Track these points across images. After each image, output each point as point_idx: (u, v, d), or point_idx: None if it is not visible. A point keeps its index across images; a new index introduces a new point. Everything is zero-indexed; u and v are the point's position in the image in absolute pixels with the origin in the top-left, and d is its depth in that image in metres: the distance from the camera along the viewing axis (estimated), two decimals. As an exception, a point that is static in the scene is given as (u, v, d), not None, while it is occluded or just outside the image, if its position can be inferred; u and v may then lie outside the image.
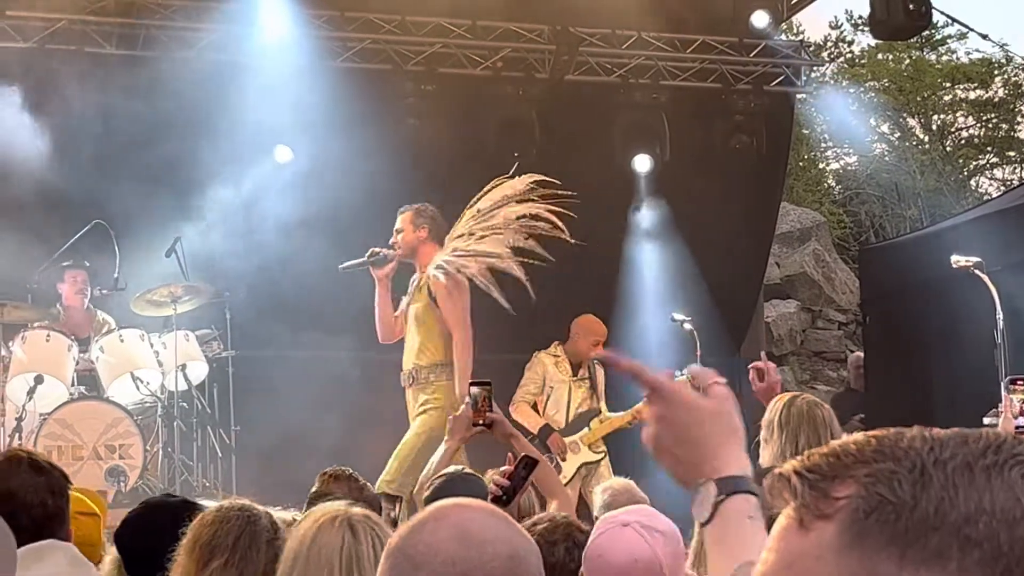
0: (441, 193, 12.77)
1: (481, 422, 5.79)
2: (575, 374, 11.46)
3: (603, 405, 11.50)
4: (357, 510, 3.49)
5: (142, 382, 10.78)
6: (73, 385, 10.79)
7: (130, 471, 10.36)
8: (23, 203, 11.84)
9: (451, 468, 5.68)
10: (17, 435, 10.44)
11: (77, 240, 11.17)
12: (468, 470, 5.85)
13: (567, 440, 11.30)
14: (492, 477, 5.27)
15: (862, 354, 14.83)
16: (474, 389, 5.84)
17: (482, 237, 10.25)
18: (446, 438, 5.87)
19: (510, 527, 2.26)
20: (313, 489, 5.71)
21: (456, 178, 13.00)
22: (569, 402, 11.41)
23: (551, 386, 11.43)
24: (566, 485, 11.04)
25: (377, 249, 10.08)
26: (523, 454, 5.25)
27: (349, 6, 12.97)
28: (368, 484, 5.80)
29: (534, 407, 11.40)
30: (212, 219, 12.02)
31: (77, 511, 4.72)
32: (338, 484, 5.66)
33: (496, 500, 5.05)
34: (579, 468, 11.31)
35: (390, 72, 13.24)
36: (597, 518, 6.50)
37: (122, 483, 10.30)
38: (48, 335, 10.79)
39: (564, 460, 11.24)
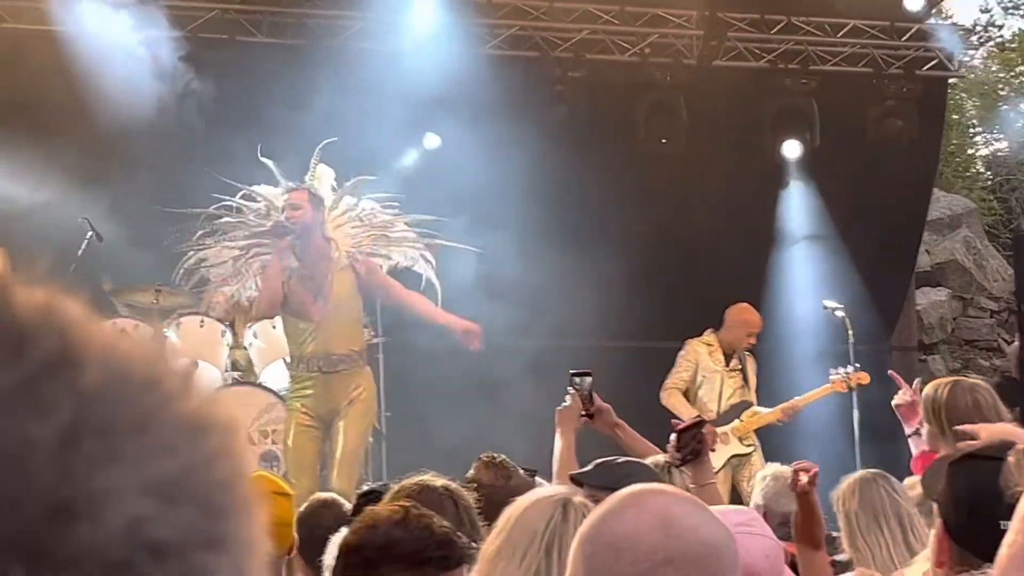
0: (590, 178, 12.77)
1: (585, 412, 5.75)
2: (727, 364, 11.36)
3: (754, 397, 11.40)
4: (578, 498, 3.48)
5: (294, 367, 10.85)
6: (226, 371, 10.91)
7: (283, 456, 10.44)
8: (171, 189, 11.99)
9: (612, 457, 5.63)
10: (172, 421, 10.56)
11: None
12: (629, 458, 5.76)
13: (718, 431, 11.20)
14: (669, 449, 5.27)
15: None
16: (578, 379, 5.79)
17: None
18: (559, 431, 5.81)
19: (708, 514, 2.22)
20: (468, 474, 5.69)
21: (604, 164, 12.98)
22: (721, 392, 11.32)
23: (703, 375, 11.34)
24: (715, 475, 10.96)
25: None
26: (683, 424, 5.22)
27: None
28: (519, 471, 5.75)
29: (684, 395, 11.32)
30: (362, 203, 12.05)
31: (272, 490, 4.74)
32: (488, 471, 5.63)
33: (678, 466, 5.09)
34: (729, 459, 11.22)
35: (538, 59, 13.21)
36: (757, 506, 6.44)
37: (275, 468, 10.38)
38: (202, 321, 10.93)
39: (714, 451, 11.12)
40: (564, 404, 5.79)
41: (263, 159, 10.06)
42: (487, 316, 11.37)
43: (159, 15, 12.13)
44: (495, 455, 5.79)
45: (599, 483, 4.74)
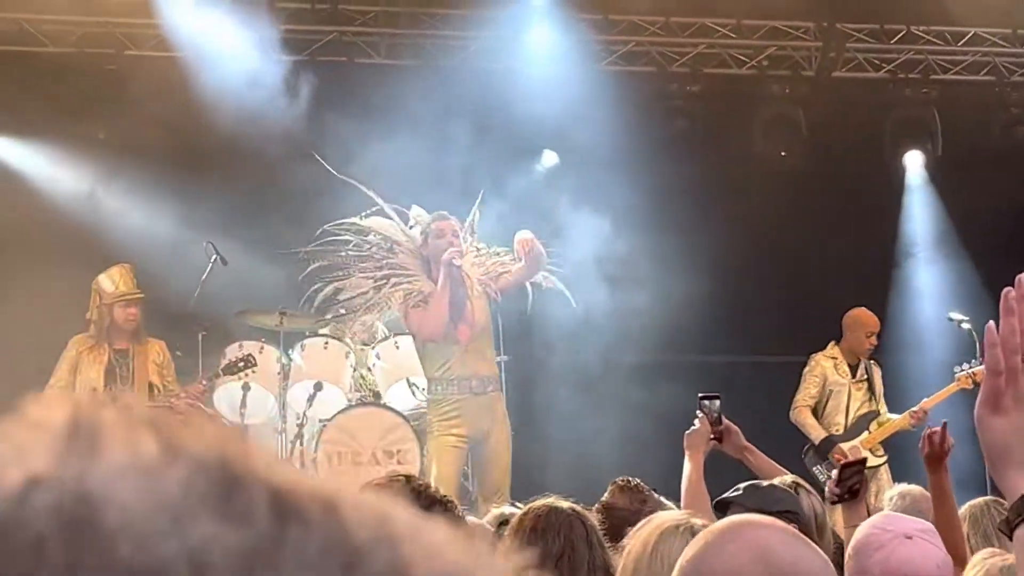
0: (709, 192, 12.72)
1: (715, 436, 5.71)
2: (853, 375, 11.26)
3: (882, 407, 11.29)
4: (698, 521, 3.46)
5: (418, 388, 10.89)
6: (351, 391, 10.99)
7: (429, 477, 10.48)
8: (295, 211, 12.11)
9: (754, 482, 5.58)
10: (299, 441, 10.67)
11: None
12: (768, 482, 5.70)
13: (847, 447, 11.10)
14: (827, 485, 5.24)
15: None
16: (707, 402, 5.75)
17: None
18: (687, 454, 5.76)
19: (809, 546, 2.19)
20: (603, 498, 5.68)
21: (723, 178, 12.92)
22: (848, 405, 11.22)
23: (830, 389, 11.25)
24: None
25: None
26: (850, 459, 5.19)
27: (614, 9, 12.95)
28: (653, 494, 5.72)
29: (813, 410, 11.24)
30: (480, 227, 12.09)
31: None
32: (622, 495, 5.62)
33: (835, 503, 5.07)
34: (860, 474, 11.09)
35: (655, 74, 13.18)
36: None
37: (400, 488, 10.41)
38: (326, 343, 11.01)
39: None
40: (693, 427, 5.76)
41: (374, 195, 10.19)
42: (603, 331, 11.40)
43: (278, 39, 12.27)
44: (629, 479, 5.77)
45: (755, 506, 4.71)
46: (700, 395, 5.78)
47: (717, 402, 5.72)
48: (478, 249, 9.93)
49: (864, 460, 5.26)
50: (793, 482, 5.28)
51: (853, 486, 5.08)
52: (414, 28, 12.80)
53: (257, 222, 11.96)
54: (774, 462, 5.80)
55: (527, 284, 9.94)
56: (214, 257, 11.25)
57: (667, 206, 12.45)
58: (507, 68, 12.60)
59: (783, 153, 13.21)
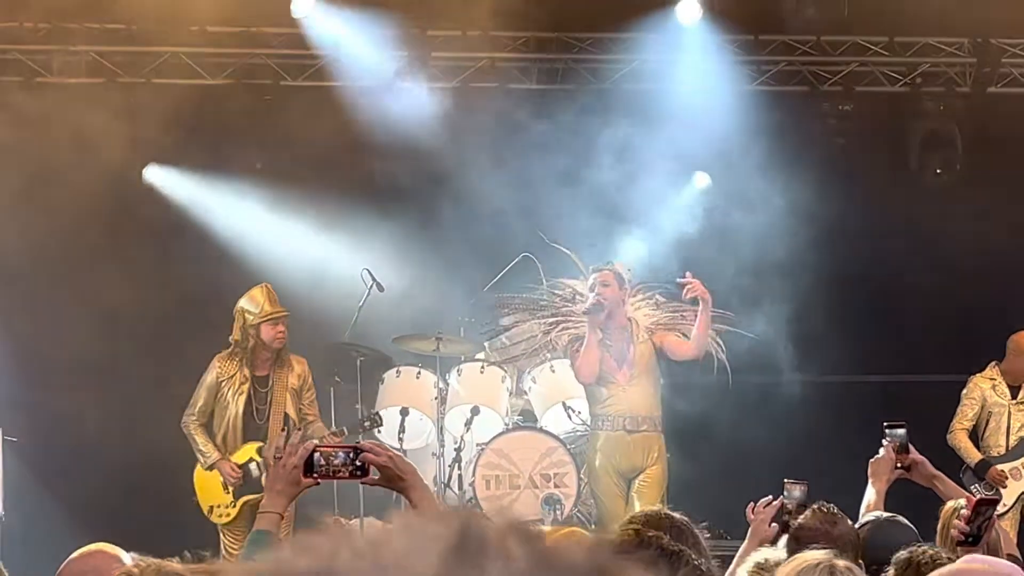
0: (865, 211, 12.60)
1: (901, 465, 5.65)
2: (1014, 396, 11.07)
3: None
4: (841, 561, 3.45)
5: (574, 411, 10.94)
6: (507, 415, 11.06)
7: (565, 499, 10.52)
8: (450, 238, 12.25)
9: (875, 513, 5.51)
10: (457, 465, 10.78)
11: (506, 273, 11.42)
12: (895, 516, 5.61)
13: (1007, 467, 10.94)
14: (954, 523, 5.09)
15: None
16: (893, 431, 5.70)
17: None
18: (871, 481, 5.71)
19: None
20: (798, 521, 5.59)
21: (879, 197, 12.80)
22: (1009, 426, 11.04)
23: (989, 411, 11.08)
24: (1004, 514, 10.68)
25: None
26: (980, 497, 5.08)
27: (764, 29, 12.91)
28: (844, 518, 5.64)
29: (973, 434, 11.09)
30: (634, 249, 12.12)
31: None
32: (814, 517, 5.55)
33: (962, 543, 4.91)
34: (1020, 497, 10.93)
35: (806, 93, 13.11)
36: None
37: (558, 511, 10.47)
38: (483, 367, 11.10)
39: (1004, 488, 10.88)
40: (878, 455, 5.71)
41: (564, 250, 10.39)
42: (755, 353, 11.33)
43: (431, 66, 12.41)
44: (827, 504, 5.71)
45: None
46: (885, 424, 5.74)
47: (902, 430, 5.67)
48: (657, 306, 10.04)
49: (997, 500, 5.13)
50: (997, 500, 5.22)
51: (982, 525, 4.94)
52: (567, 52, 12.85)
53: (412, 248, 12.13)
54: (963, 490, 5.75)
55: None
56: (371, 284, 11.40)
57: (821, 225, 12.37)
58: (656, 90, 12.61)
59: (939, 171, 13.05)
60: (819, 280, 12.18)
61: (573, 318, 9.88)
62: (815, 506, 5.50)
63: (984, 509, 4.95)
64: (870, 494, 5.65)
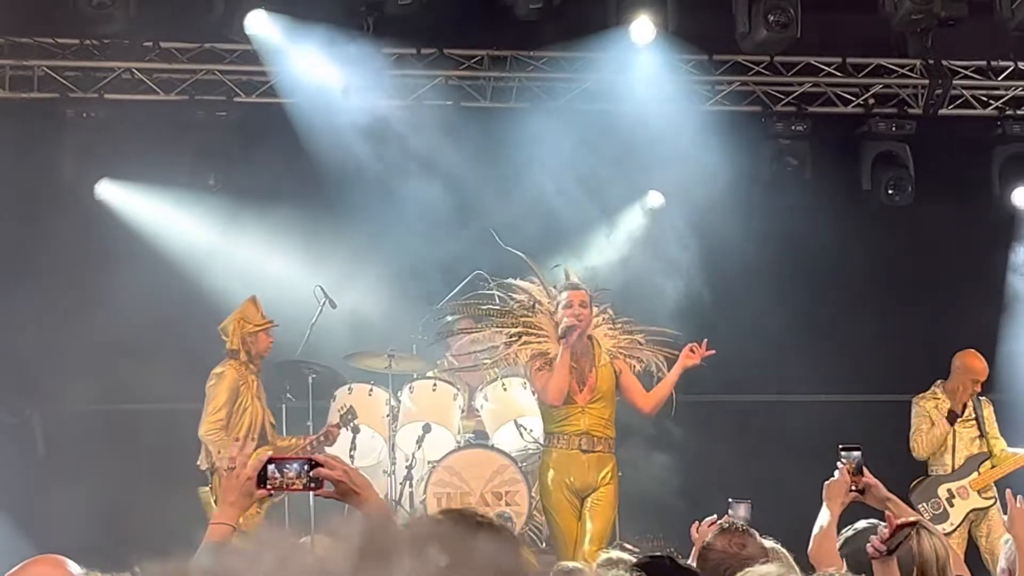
0: (816, 232, 12.65)
1: (855, 487, 5.67)
2: (961, 414, 11.14)
3: (998, 444, 11.15)
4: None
5: (525, 429, 10.94)
6: (459, 433, 11.04)
7: (516, 517, 10.51)
8: (402, 255, 12.24)
9: (862, 523, 5.54)
10: (408, 483, 10.75)
11: (457, 291, 11.39)
12: (876, 523, 5.66)
13: (954, 486, 11.00)
14: (870, 538, 5.14)
15: None
16: (847, 453, 5.71)
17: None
18: (825, 504, 5.72)
19: None
20: (706, 541, 5.61)
21: (831, 218, 12.85)
22: (955, 446, 11.10)
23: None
24: (952, 532, 10.75)
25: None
26: (903, 520, 5.11)
27: (718, 49, 12.96)
28: (755, 538, 5.65)
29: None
30: (588, 266, 12.14)
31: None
32: (723, 537, 5.55)
33: (875, 558, 4.99)
34: (968, 514, 11.00)
35: (760, 113, 13.17)
36: (1003, 570, 6.27)
37: (510, 527, 10.44)
38: (435, 384, 11.08)
39: (952, 507, 10.95)
40: (833, 478, 5.71)
41: (518, 253, 10.30)
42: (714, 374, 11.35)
43: (383, 84, 12.41)
44: (733, 521, 5.74)
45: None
46: (840, 446, 5.74)
47: (857, 453, 5.67)
48: (614, 326, 9.96)
49: (915, 523, 5.17)
50: (916, 522, 5.25)
51: (899, 544, 5.02)
52: (520, 71, 12.86)
53: (366, 265, 12.11)
54: (911, 509, 5.77)
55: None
56: (323, 301, 11.38)
57: (773, 245, 12.43)
58: (610, 110, 12.64)
59: (891, 191, 13.12)
60: (772, 299, 12.22)
61: (534, 330, 9.80)
62: (723, 525, 5.52)
63: (903, 531, 5.02)
64: (824, 516, 5.65)
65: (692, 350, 9.64)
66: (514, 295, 10.03)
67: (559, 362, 9.44)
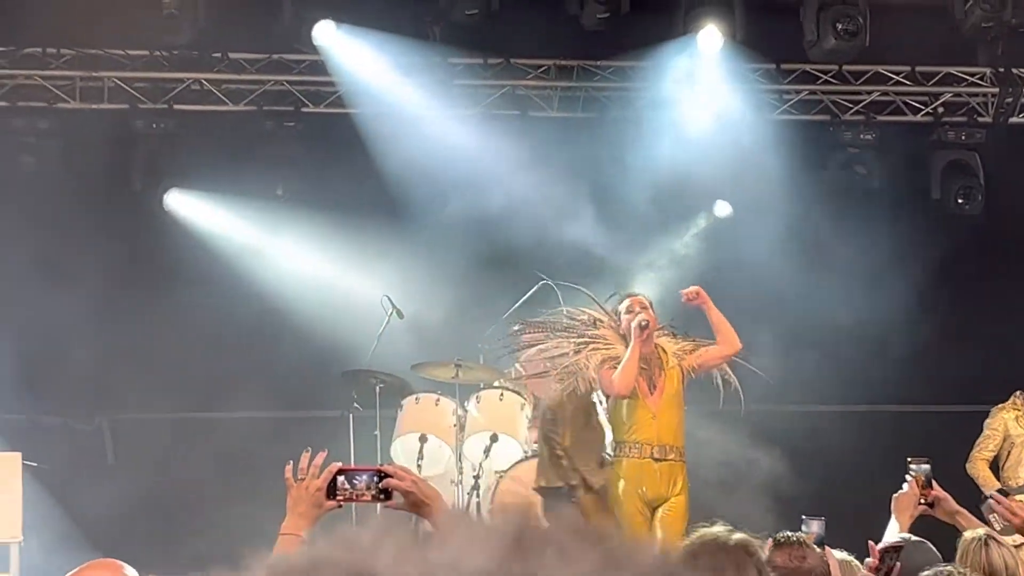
0: (885, 241, 12.57)
1: (924, 500, 5.63)
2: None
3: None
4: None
5: (593, 440, 10.89)
6: (526, 443, 11.02)
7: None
8: (470, 265, 12.26)
9: (901, 535, 5.50)
10: (475, 493, 10.74)
11: (524, 301, 11.38)
12: (920, 539, 5.60)
13: (1021, 497, 10.88)
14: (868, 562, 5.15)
15: None
16: (916, 466, 5.67)
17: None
18: (894, 516, 5.68)
19: None
20: (767, 557, 5.55)
21: (900, 227, 12.77)
22: (1029, 458, 11.00)
23: (1012, 442, 11.02)
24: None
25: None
26: (885, 545, 5.10)
27: (786, 58, 12.91)
28: (814, 551, 5.59)
29: (994, 464, 11.02)
30: (657, 275, 12.12)
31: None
32: (780, 551, 5.50)
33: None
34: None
35: (828, 123, 13.11)
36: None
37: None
38: (502, 394, 11.06)
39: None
40: (901, 491, 5.67)
41: (579, 288, 10.30)
42: (779, 384, 11.28)
43: (450, 94, 12.45)
44: (789, 534, 5.69)
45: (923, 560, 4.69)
46: (909, 459, 5.71)
47: (927, 466, 5.64)
48: (674, 335, 9.96)
49: (901, 547, 5.13)
50: (986, 535, 5.21)
51: (890, 569, 5.00)
52: (587, 81, 12.87)
53: (434, 276, 12.14)
54: (981, 521, 5.73)
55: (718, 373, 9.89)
56: (391, 310, 11.40)
57: (841, 254, 12.36)
58: (680, 119, 12.61)
59: (960, 200, 13.02)
60: (840, 308, 12.15)
61: (601, 340, 9.80)
62: (781, 539, 5.46)
63: (889, 556, 5.00)
64: (892, 529, 5.61)
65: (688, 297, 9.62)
66: (575, 317, 10.06)
67: (629, 353, 9.41)
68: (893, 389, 12.64)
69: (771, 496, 10.66)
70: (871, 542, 5.22)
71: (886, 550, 5.02)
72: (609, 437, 10.03)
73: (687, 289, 9.64)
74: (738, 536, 4.22)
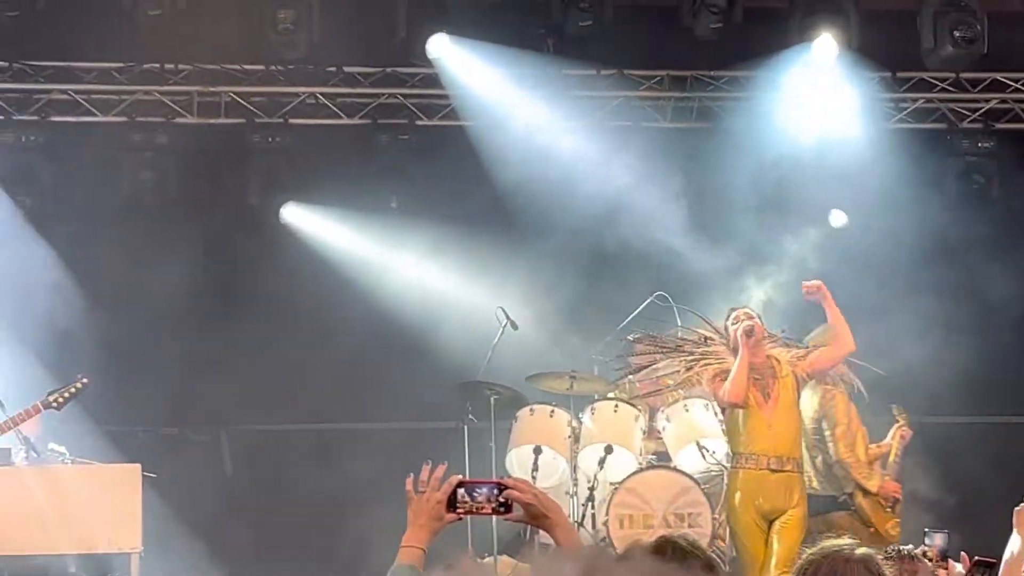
0: (1012, 252, 12.40)
1: None
2: None
3: None
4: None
5: (707, 451, 10.85)
6: (641, 454, 11.00)
7: (700, 539, 10.38)
8: (584, 276, 12.27)
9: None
10: (590, 504, 10.73)
11: (640, 312, 11.35)
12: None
13: None
14: None
15: None
16: None
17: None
18: (1017, 529, 5.57)
19: None
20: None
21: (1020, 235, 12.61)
22: None
23: None
24: None
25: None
26: (978, 559, 5.00)
27: (902, 66, 12.78)
28: (926, 564, 5.53)
29: None
30: (771, 286, 12.03)
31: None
32: (891, 565, 5.44)
33: None
34: None
35: (945, 131, 12.95)
36: None
37: (692, 552, 10.35)
38: (616, 406, 11.05)
39: None
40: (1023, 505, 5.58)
41: (692, 311, 10.32)
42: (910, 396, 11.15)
43: (565, 105, 12.47)
44: (900, 547, 5.63)
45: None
46: None
47: None
48: (787, 347, 9.89)
49: (995, 563, 5.02)
50: (994, 563, 5.14)
51: None
52: (701, 91, 12.82)
53: (547, 287, 12.15)
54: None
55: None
56: (505, 322, 11.41)
57: (959, 263, 12.21)
58: (793, 128, 12.53)
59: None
60: (963, 318, 12.00)
61: (712, 356, 9.78)
62: (893, 553, 5.38)
63: (980, 569, 4.90)
64: (1014, 542, 5.52)
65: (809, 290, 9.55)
66: (686, 337, 10.06)
67: (738, 361, 9.42)
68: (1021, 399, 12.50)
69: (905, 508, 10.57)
70: (964, 553, 5.14)
71: (978, 563, 4.93)
72: (727, 449, 10.01)
73: (809, 282, 9.56)
74: (862, 551, 4.16)
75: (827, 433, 10.39)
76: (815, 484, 10.41)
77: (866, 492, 10.30)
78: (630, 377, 10.88)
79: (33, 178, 12.18)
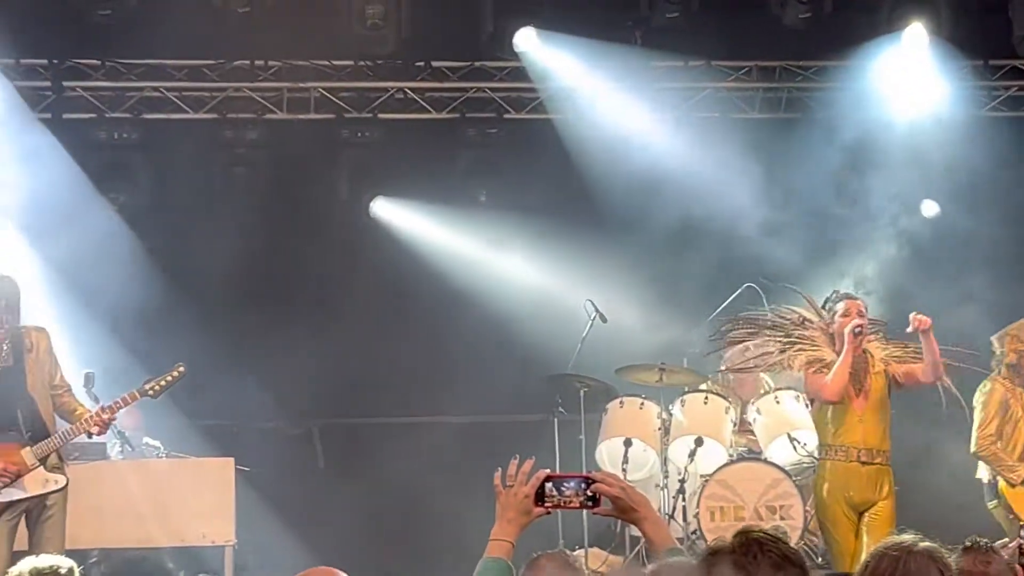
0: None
1: None
2: None
3: None
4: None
5: (799, 443, 10.78)
6: (732, 446, 10.96)
7: (791, 531, 10.37)
8: (673, 268, 12.24)
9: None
10: (681, 496, 10.71)
11: (730, 303, 11.31)
12: None
13: None
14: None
15: None
16: None
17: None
18: None
19: None
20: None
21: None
22: None
23: None
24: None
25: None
26: None
27: (994, 54, 12.65)
28: (1000, 557, 5.47)
29: None
30: (862, 278, 11.96)
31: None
32: (967, 556, 5.40)
33: None
34: None
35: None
36: None
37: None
38: (706, 398, 11.01)
39: None
40: None
41: (793, 288, 10.23)
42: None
43: (653, 96, 12.45)
44: (978, 539, 5.58)
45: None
46: None
47: None
48: (885, 342, 9.82)
49: None
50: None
51: None
52: (788, 81, 12.76)
53: (636, 279, 12.14)
54: None
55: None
56: (594, 315, 11.42)
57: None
58: (884, 118, 12.44)
59: None
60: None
61: (807, 341, 9.71)
62: (970, 544, 5.35)
63: None
64: None
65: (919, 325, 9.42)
66: (783, 316, 9.97)
67: (843, 359, 9.35)
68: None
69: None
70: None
71: None
72: (816, 440, 9.94)
73: (920, 316, 9.41)
74: (926, 544, 4.14)
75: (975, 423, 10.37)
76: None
77: (1012, 484, 10.24)
78: (722, 368, 10.84)
79: (127, 174, 12.33)
